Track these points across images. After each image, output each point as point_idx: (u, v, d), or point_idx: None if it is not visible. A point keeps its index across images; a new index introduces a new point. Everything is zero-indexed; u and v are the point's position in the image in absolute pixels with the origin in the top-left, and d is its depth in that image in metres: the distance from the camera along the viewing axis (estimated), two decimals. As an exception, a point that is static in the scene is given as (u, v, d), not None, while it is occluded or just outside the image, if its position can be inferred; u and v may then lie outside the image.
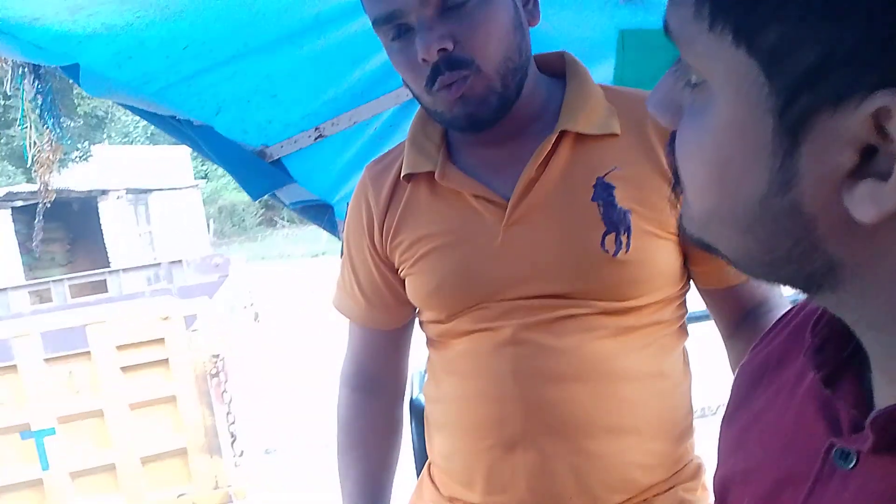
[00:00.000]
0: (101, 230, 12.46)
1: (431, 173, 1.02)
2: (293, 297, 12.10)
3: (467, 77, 0.90)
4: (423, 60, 0.89)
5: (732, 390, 0.60)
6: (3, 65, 1.23)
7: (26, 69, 1.28)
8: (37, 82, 1.26)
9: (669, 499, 1.01)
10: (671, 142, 0.44)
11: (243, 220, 25.23)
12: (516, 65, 0.94)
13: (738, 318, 1.06)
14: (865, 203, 0.33)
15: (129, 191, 13.59)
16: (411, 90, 0.98)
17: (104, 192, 12.52)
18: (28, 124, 1.24)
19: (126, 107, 1.48)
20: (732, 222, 0.40)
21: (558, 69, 1.05)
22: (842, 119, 0.33)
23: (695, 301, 1.11)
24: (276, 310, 8.75)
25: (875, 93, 0.32)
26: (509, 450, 0.99)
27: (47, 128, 1.28)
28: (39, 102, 1.24)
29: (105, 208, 12.54)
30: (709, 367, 1.45)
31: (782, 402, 0.52)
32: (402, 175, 1.05)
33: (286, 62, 1.47)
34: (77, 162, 14.18)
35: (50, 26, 1.20)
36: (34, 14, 1.16)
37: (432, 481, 1.14)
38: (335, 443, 1.26)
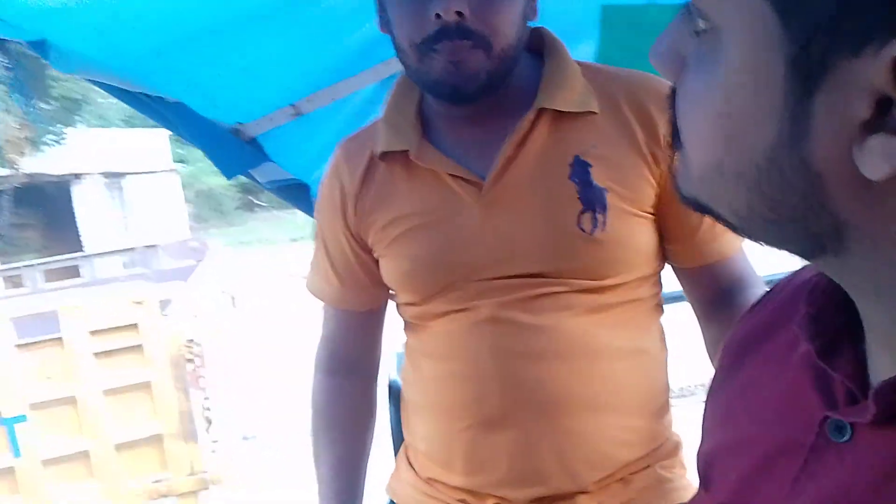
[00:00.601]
0: (75, 215, 12.30)
1: (407, 152, 1.00)
2: (271, 281, 12.04)
3: (472, 50, 0.90)
4: (437, 16, 0.89)
5: (718, 363, 0.59)
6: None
7: (-10, 43, 1.24)
8: (3, 58, 1.22)
9: (648, 477, 1.03)
10: (671, 96, 0.43)
11: (221, 205, 25.01)
12: (515, 51, 0.95)
13: (714, 298, 1.06)
14: (876, 158, 0.32)
15: (104, 174, 13.40)
16: (400, 47, 0.96)
17: (78, 177, 12.35)
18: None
19: (98, 84, 1.44)
20: (736, 178, 0.38)
21: (536, 45, 1.04)
22: (859, 67, 0.31)
23: (671, 282, 1.11)
24: (253, 294, 8.71)
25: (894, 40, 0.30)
26: (489, 429, 0.99)
27: (18, 107, 1.24)
28: (9, 80, 1.20)
29: (79, 192, 12.37)
30: (688, 348, 1.45)
31: (772, 372, 0.51)
32: (377, 154, 1.03)
33: (259, 37, 1.43)
34: (51, 145, 13.95)
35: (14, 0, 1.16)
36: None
37: (410, 463, 1.14)
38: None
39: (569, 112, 0.97)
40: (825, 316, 0.45)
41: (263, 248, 17.54)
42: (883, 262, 0.37)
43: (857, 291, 0.41)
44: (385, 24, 0.99)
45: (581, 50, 1.53)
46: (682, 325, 1.30)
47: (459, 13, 0.88)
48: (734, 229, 0.42)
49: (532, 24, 1.04)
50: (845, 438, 0.42)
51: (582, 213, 0.95)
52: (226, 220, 24.03)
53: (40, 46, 1.28)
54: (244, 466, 4.92)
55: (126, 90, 1.46)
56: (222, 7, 1.34)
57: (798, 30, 0.33)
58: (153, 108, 1.48)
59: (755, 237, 0.42)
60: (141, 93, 1.47)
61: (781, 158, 0.36)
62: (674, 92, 0.42)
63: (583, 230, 0.95)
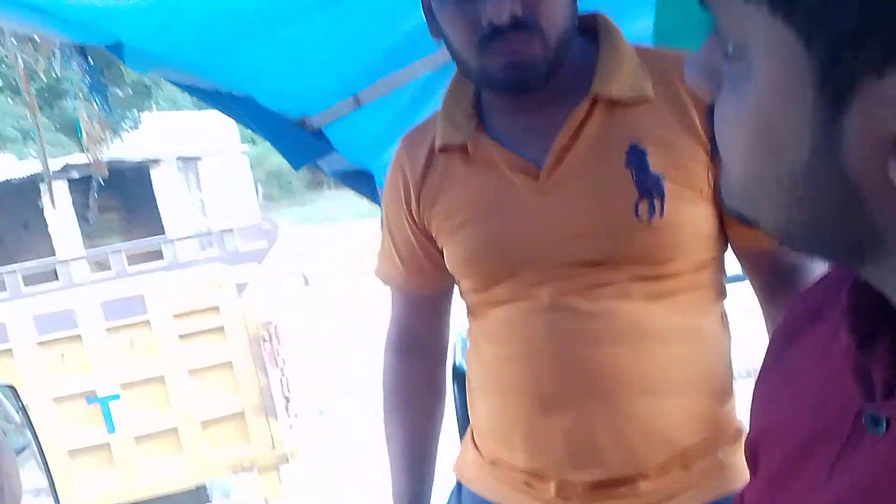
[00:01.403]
0: (155, 197, 12.77)
1: (465, 144, 1.02)
2: (341, 258, 12.28)
3: (529, 39, 0.90)
4: (490, 22, 0.89)
5: (767, 350, 0.60)
6: (53, 46, 1.26)
7: (73, 50, 1.31)
8: (84, 63, 1.29)
9: (709, 462, 1.02)
10: (710, 111, 0.43)
11: (290, 184, 25.49)
12: (569, 36, 0.95)
13: (773, 282, 1.04)
14: None
15: (179, 158, 13.85)
16: (453, 49, 0.97)
17: (156, 161, 12.81)
18: (79, 104, 1.28)
19: (171, 81, 1.51)
20: (775, 190, 0.39)
21: (591, 30, 1.04)
22: (885, 84, 0.32)
23: (736, 263, 1.10)
24: (324, 272, 8.90)
25: None
26: (546, 411, 1.00)
27: (96, 106, 1.32)
28: (88, 82, 1.28)
29: (157, 176, 12.83)
30: (755, 328, 1.43)
31: (816, 360, 0.51)
32: (437, 147, 1.06)
33: (320, 29, 1.46)
34: (129, 131, 14.51)
35: (91, 4, 1.23)
36: (76, -6, 1.18)
37: (475, 445, 1.16)
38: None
39: (624, 99, 0.96)
40: (865, 307, 0.45)
41: (331, 226, 17.82)
42: None
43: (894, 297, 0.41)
44: (436, 31, 1.00)
45: (636, 28, 1.51)
46: (749, 304, 1.28)
47: (512, 13, 0.88)
48: (776, 238, 0.43)
49: (590, 7, 1.03)
50: (881, 431, 0.42)
51: (639, 200, 0.94)
52: (295, 199, 24.50)
53: (117, 49, 1.34)
54: (320, 441, 5.09)
55: (197, 86, 1.52)
56: (283, 2, 1.38)
57: (821, 52, 0.33)
58: (224, 102, 1.54)
59: (796, 246, 0.42)
60: (211, 88, 1.53)
61: (817, 172, 0.36)
62: (712, 107, 0.43)
63: (639, 217, 0.94)
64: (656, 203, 0.94)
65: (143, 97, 16.25)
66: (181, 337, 3.30)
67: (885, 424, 0.42)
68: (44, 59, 1.18)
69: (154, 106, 18.29)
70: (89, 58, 1.31)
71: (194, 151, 14.85)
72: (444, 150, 1.05)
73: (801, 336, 0.55)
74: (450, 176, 1.05)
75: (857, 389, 0.44)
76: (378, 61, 1.58)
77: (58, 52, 1.24)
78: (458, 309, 1.23)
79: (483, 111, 1.05)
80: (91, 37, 1.26)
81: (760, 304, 1.08)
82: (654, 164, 0.94)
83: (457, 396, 1.44)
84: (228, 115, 1.58)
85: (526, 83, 0.94)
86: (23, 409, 1.38)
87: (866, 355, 0.44)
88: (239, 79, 1.52)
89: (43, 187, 9.70)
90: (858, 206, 0.36)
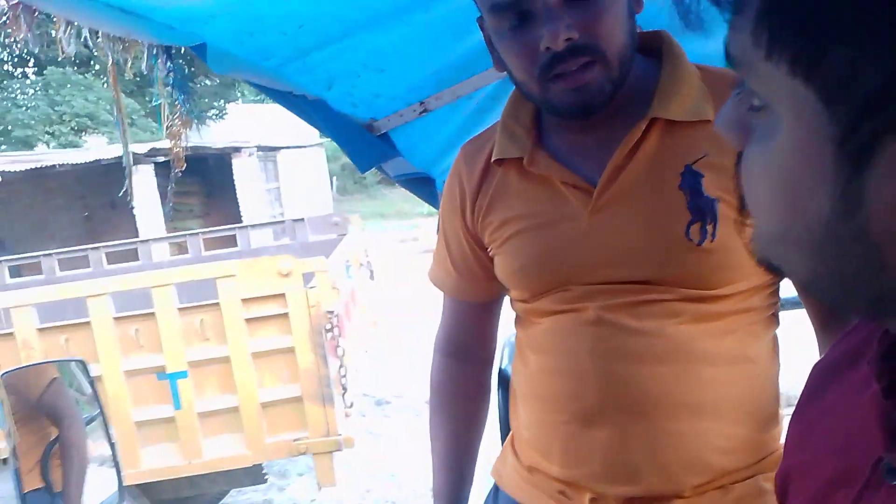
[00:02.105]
0: (234, 185, 13.16)
1: (521, 158, 1.04)
2: (409, 253, 12.39)
3: (590, 64, 0.90)
4: (547, 48, 0.89)
5: (806, 384, 0.60)
6: (140, 45, 1.35)
7: (159, 49, 1.40)
8: (168, 62, 1.37)
9: (749, 487, 1.01)
10: (737, 162, 0.44)
11: (364, 178, 25.84)
12: (630, 53, 0.95)
13: (830, 311, 1.03)
14: None
15: (259, 148, 14.24)
16: (516, 78, 0.98)
17: (237, 150, 13.20)
18: (162, 101, 1.37)
19: (248, 83, 1.59)
20: (799, 245, 0.40)
21: (654, 49, 1.04)
22: None
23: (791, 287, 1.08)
24: (390, 267, 9.02)
25: None
26: (586, 424, 1.01)
27: (177, 103, 1.40)
28: (171, 80, 1.36)
29: (237, 164, 13.22)
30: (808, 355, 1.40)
31: (849, 402, 0.52)
32: (492, 159, 1.08)
33: (393, 37, 1.52)
34: (214, 120, 15.03)
35: (178, 7, 1.31)
36: (164, -2, 1.26)
37: (514, 451, 1.18)
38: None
39: (683, 120, 0.96)
40: (894, 355, 0.45)
41: (400, 221, 18.00)
42: None
43: None
44: (498, 62, 1.01)
45: (710, 45, 1.49)
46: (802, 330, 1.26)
47: (568, 38, 0.88)
48: (804, 289, 0.44)
49: (658, 26, 1.03)
50: None
51: (691, 223, 0.94)
52: (367, 193, 24.83)
53: (201, 50, 1.42)
54: (376, 430, 5.18)
55: (273, 87, 1.60)
56: (358, 9, 1.44)
57: (842, 113, 0.34)
58: (296, 104, 1.61)
59: (822, 299, 0.43)
60: (286, 90, 1.60)
61: (838, 229, 0.36)
62: (740, 157, 0.44)
63: (691, 240, 0.94)
64: (708, 227, 0.94)
65: (229, 88, 16.78)
66: (247, 321, 3.42)
67: None
68: (131, 57, 1.26)
69: (240, 97, 18.89)
70: (174, 56, 1.39)
71: (274, 142, 15.24)
72: (500, 162, 1.07)
73: (839, 376, 0.55)
74: (505, 188, 1.07)
75: (881, 436, 0.45)
76: (446, 70, 1.62)
77: (144, 51, 1.33)
78: (507, 315, 1.25)
79: (542, 126, 1.06)
80: (176, 38, 1.35)
81: (815, 332, 1.07)
82: (710, 187, 0.94)
83: (500, 401, 1.47)
84: (300, 117, 1.65)
85: (590, 108, 0.94)
86: (91, 383, 1.47)
87: (892, 404, 0.44)
88: (312, 82, 1.59)
89: (132, 170, 10.14)
90: (880, 264, 0.36)
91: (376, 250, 6.35)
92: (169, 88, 1.33)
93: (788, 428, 0.60)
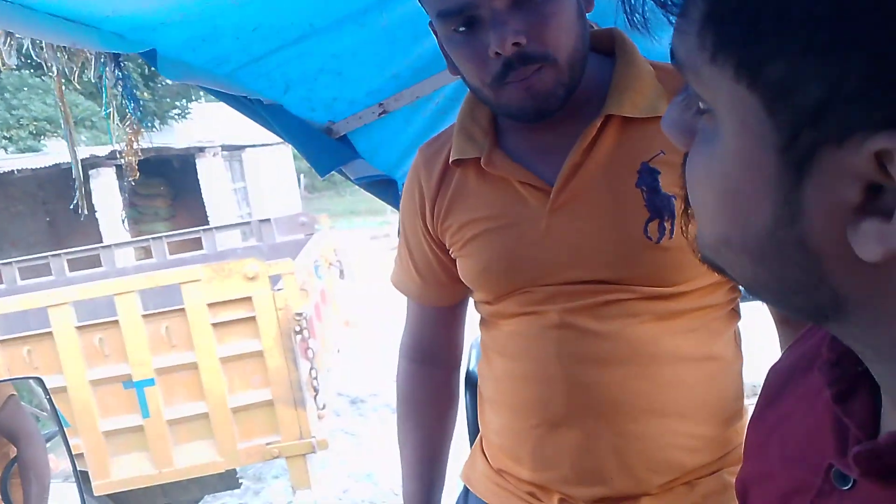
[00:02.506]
0: (200, 185, 12.99)
1: (479, 159, 1.03)
2: (379, 250, 12.36)
3: (541, 69, 0.90)
4: (496, 54, 0.89)
5: (763, 388, 0.60)
6: (88, 54, 1.31)
7: (107, 57, 1.36)
8: (117, 70, 1.34)
9: (714, 482, 1.02)
10: (683, 163, 0.43)
11: (333, 175, 25.68)
12: (582, 54, 0.94)
13: None
14: (870, 241, 0.33)
15: (224, 147, 14.06)
16: (469, 83, 0.97)
17: (201, 150, 13.01)
18: (111, 111, 1.33)
19: (202, 88, 1.56)
20: (741, 250, 0.40)
21: (607, 47, 1.03)
22: (845, 157, 0.32)
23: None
24: (362, 264, 8.98)
25: (878, 133, 0.31)
26: (554, 429, 1.01)
27: (128, 112, 1.37)
28: (120, 89, 1.33)
29: (202, 164, 13.04)
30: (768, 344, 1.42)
31: (804, 409, 0.52)
32: (450, 160, 1.07)
33: (350, 40, 1.50)
34: (177, 120, 14.80)
35: (128, 15, 1.28)
36: (113, 6, 1.23)
37: (483, 453, 1.18)
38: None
39: (637, 117, 0.95)
40: (844, 362, 0.45)
41: (372, 218, 17.95)
42: (883, 332, 0.37)
43: (861, 354, 0.42)
44: (452, 67, 1.00)
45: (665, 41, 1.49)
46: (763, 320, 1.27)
47: (516, 43, 0.87)
48: (747, 291, 0.44)
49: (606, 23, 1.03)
50: (847, 486, 0.42)
51: (649, 220, 0.94)
52: (336, 190, 24.70)
53: (151, 57, 1.39)
54: (352, 429, 5.16)
55: (228, 93, 1.57)
56: (314, 13, 1.42)
57: (784, 122, 0.34)
58: (252, 108, 1.58)
59: (764, 301, 0.43)
60: (241, 95, 1.57)
61: (780, 237, 0.37)
62: (685, 158, 0.43)
63: (649, 238, 0.94)
64: (667, 224, 0.94)
65: (192, 87, 16.51)
66: (214, 326, 3.38)
67: (851, 481, 0.42)
68: (77, 67, 1.23)
69: (203, 96, 18.64)
70: (123, 64, 1.36)
71: (240, 141, 15.06)
72: (458, 163, 1.06)
73: (794, 381, 0.55)
74: (464, 189, 1.07)
75: (834, 443, 0.45)
76: (405, 71, 1.60)
77: (92, 60, 1.29)
78: (473, 316, 1.25)
79: (499, 126, 1.06)
80: (125, 46, 1.31)
81: (776, 325, 1.08)
82: (667, 184, 0.94)
83: (468, 404, 1.46)
84: (256, 122, 1.62)
85: (543, 112, 0.94)
86: (50, 399, 1.45)
87: (843, 409, 0.44)
88: (269, 87, 1.57)
89: (92, 173, 9.95)
90: (821, 273, 0.37)
91: (347, 248, 6.31)
92: (118, 98, 1.29)
93: (747, 433, 0.60)
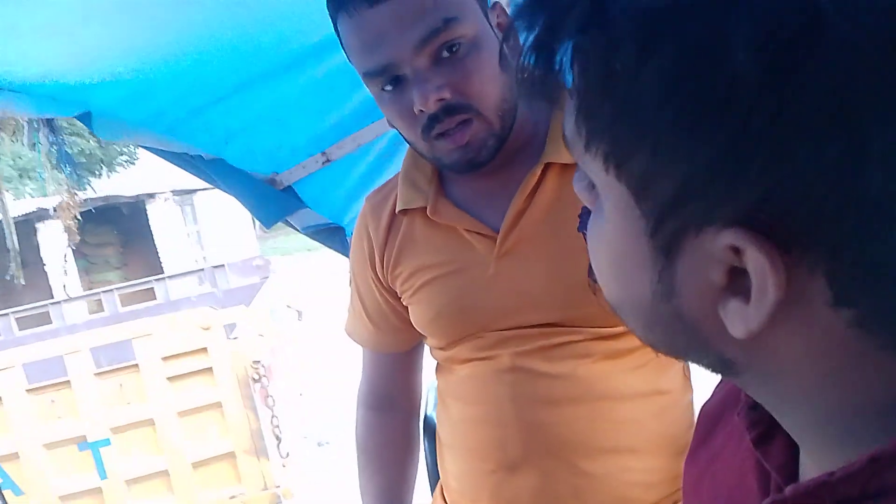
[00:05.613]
0: (151, 232, 12.77)
1: (425, 207, 1.04)
2: (340, 285, 12.25)
3: (467, 121, 0.90)
4: (421, 111, 0.90)
5: (696, 426, 0.61)
6: (21, 120, 1.29)
7: (40, 123, 1.34)
8: (51, 135, 1.32)
9: None
10: (584, 224, 0.45)
11: (287, 213, 25.57)
12: (510, 104, 0.94)
13: None
14: (736, 320, 0.34)
15: (174, 192, 13.88)
16: (404, 137, 0.98)
17: (151, 196, 12.82)
18: (46, 175, 1.30)
19: (141, 146, 1.54)
20: (634, 315, 0.42)
21: None
22: (705, 244, 0.34)
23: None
24: (319, 305, 8.88)
25: (727, 228, 0.32)
26: (512, 472, 1.01)
27: (65, 176, 1.34)
28: (55, 154, 1.30)
29: (153, 210, 12.84)
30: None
31: (731, 448, 0.52)
32: (396, 210, 1.08)
33: (289, 89, 1.50)
34: (125, 166, 14.60)
35: (60, 80, 1.26)
36: (45, 70, 1.21)
37: (444, 499, 1.17)
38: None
39: (577, 163, 0.97)
40: (761, 406, 0.45)
41: (330, 252, 17.79)
42: (773, 392, 0.39)
43: (765, 405, 0.42)
44: (388, 120, 1.01)
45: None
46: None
47: (441, 99, 0.88)
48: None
49: None
50: None
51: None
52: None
53: (86, 118, 1.37)
54: (318, 473, 5.06)
55: (167, 150, 1.55)
56: (251, 65, 1.42)
57: (648, 210, 0.35)
58: (194, 164, 1.57)
59: (667, 356, 0.44)
60: (181, 151, 1.56)
61: (660, 309, 0.38)
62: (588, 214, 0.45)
63: (594, 281, 0.96)
64: None
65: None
66: (170, 379, 3.31)
67: None
68: (9, 136, 1.20)
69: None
70: (56, 132, 1.34)
71: (190, 185, 14.88)
72: (404, 212, 1.07)
73: (723, 420, 0.56)
74: (411, 237, 1.07)
75: (757, 486, 0.46)
76: (346, 118, 1.61)
77: (25, 127, 1.27)
78: (430, 361, 1.24)
79: (442, 174, 1.07)
80: (58, 109, 1.30)
81: None
82: None
83: (427, 449, 1.45)
84: (198, 177, 1.61)
85: (476, 164, 0.95)
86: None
87: (763, 452, 0.45)
88: (209, 140, 1.56)
89: (39, 226, 9.72)
90: (703, 341, 0.38)
91: (306, 287, 6.25)
92: (53, 162, 1.27)
93: (684, 471, 0.61)
